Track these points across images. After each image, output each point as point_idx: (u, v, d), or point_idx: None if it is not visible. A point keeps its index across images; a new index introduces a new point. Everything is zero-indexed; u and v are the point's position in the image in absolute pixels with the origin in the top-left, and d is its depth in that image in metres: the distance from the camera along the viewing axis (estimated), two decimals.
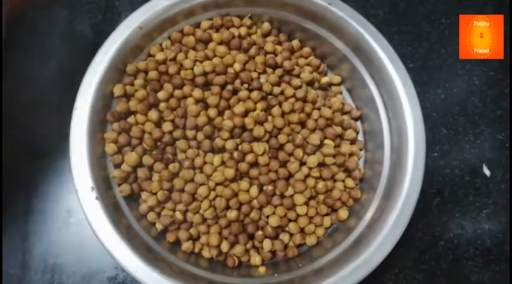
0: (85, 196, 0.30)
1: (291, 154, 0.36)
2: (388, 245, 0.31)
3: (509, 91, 0.44)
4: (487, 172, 0.42)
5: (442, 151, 0.42)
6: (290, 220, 0.35)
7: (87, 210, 0.30)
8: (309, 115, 0.37)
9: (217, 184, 0.35)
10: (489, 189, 0.42)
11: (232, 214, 0.34)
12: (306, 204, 0.35)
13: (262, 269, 0.34)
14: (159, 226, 0.34)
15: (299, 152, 0.36)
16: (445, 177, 0.42)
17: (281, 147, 0.36)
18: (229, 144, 0.35)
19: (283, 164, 0.36)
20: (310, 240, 0.36)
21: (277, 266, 0.35)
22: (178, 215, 0.34)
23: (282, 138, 0.36)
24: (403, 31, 0.45)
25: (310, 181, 0.36)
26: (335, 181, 0.37)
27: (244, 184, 0.35)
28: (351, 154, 0.37)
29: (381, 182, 0.34)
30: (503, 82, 0.44)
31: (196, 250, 0.35)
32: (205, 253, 0.35)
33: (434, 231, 0.40)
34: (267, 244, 0.34)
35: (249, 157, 0.35)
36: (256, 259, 0.34)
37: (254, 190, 0.34)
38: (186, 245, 0.34)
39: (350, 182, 0.37)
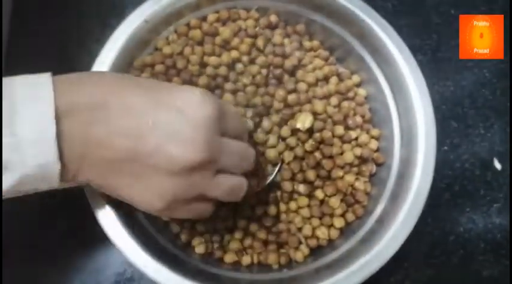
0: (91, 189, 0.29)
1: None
2: (398, 240, 0.30)
3: None
4: (497, 165, 0.42)
5: (451, 145, 0.42)
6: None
7: (93, 203, 0.29)
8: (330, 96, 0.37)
9: None
10: (499, 182, 0.41)
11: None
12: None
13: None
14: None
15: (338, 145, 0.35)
16: (455, 171, 0.41)
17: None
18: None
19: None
20: (323, 241, 0.34)
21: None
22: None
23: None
24: (411, 23, 0.45)
25: (349, 179, 0.35)
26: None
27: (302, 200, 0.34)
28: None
29: (390, 176, 0.34)
30: None
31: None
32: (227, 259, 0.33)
33: (445, 226, 0.40)
34: (299, 256, 0.33)
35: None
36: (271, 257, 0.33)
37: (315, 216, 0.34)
38: (200, 249, 0.33)
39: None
